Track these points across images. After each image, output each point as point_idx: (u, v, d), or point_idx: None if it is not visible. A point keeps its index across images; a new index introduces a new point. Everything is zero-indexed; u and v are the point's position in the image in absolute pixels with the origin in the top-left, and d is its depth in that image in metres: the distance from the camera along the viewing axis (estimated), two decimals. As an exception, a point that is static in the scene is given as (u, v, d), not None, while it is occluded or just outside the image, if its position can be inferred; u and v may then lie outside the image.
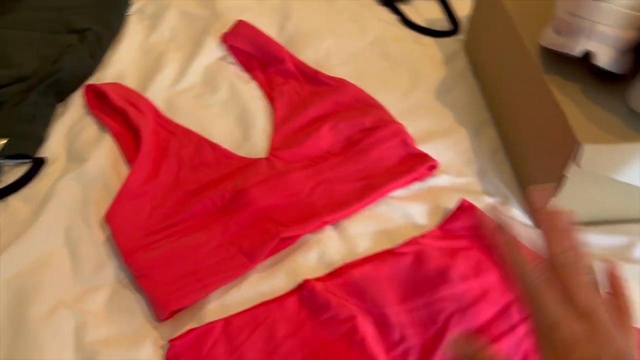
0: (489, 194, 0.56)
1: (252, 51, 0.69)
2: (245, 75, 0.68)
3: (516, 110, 0.58)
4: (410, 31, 0.76)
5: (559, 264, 0.31)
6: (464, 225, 0.51)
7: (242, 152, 0.59)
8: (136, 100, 0.61)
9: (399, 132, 0.59)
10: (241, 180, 0.54)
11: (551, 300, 0.30)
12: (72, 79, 0.65)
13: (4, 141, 0.58)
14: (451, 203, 0.54)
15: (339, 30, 0.75)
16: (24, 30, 0.72)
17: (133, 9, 0.78)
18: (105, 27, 0.73)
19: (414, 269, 0.48)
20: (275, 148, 0.58)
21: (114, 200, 0.52)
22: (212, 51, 0.71)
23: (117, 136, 0.59)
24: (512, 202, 0.56)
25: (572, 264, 0.31)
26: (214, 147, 0.58)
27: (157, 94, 0.65)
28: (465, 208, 0.52)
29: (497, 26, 0.62)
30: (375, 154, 0.57)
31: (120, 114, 0.60)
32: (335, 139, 0.59)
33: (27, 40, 0.70)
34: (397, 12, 0.78)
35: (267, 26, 0.74)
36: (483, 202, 0.55)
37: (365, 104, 0.62)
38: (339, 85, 0.64)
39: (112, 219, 0.50)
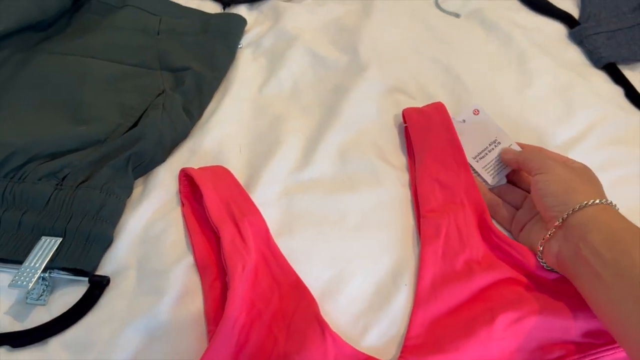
0: None
1: (418, 142, 0.47)
2: (404, 177, 0.47)
3: None
4: (644, 119, 0.51)
5: None
6: None
7: (389, 311, 0.38)
8: (241, 212, 0.41)
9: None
10: None
11: None
12: (159, 149, 0.47)
13: (58, 241, 0.41)
14: None
15: (534, 105, 0.51)
16: (106, 60, 0.54)
17: (246, 39, 0.59)
18: (210, 67, 0.54)
19: None
20: (411, 346, 0.36)
21: None
22: (351, 121, 0.50)
23: (202, 270, 0.40)
24: None
25: None
26: (323, 328, 0.36)
27: (272, 185, 0.45)
28: None
29: None
30: None
31: (216, 234, 0.41)
32: (517, 346, 0.36)
33: (108, 78, 0.52)
34: (624, 82, 0.53)
35: (426, 79, 0.53)
36: None
37: (571, 293, 0.37)
38: (521, 257, 0.40)
39: None
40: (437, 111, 0.48)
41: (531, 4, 0.63)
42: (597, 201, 0.36)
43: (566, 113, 0.51)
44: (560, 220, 0.37)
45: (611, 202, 0.37)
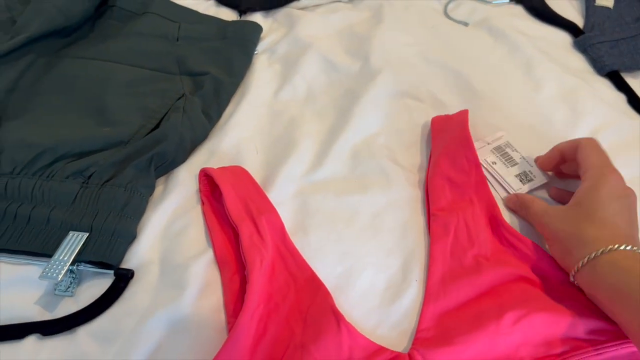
0: None
1: (435, 143, 0.49)
2: (413, 178, 0.49)
3: None
4: (647, 124, 0.53)
5: None
6: None
7: (399, 307, 0.40)
8: (258, 210, 0.43)
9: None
10: None
11: None
12: (179, 150, 0.49)
13: (85, 236, 0.43)
14: None
15: (540, 110, 0.53)
16: (127, 65, 0.56)
17: (261, 46, 0.61)
18: (227, 72, 0.56)
19: None
20: (422, 338, 0.38)
21: None
22: (363, 124, 0.52)
23: (221, 265, 0.42)
24: None
25: None
26: (339, 320, 0.38)
27: (287, 185, 0.47)
28: None
29: None
30: None
31: (235, 231, 0.43)
32: (523, 341, 0.37)
33: (130, 82, 0.54)
34: (626, 89, 0.55)
35: (436, 84, 0.55)
36: None
37: (577, 293, 0.39)
38: (532, 253, 0.42)
39: None
40: (458, 115, 0.51)
41: (537, 13, 0.65)
42: (598, 253, 0.35)
43: (571, 118, 0.53)
44: (573, 281, 0.38)
45: (618, 246, 0.35)
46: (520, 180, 0.48)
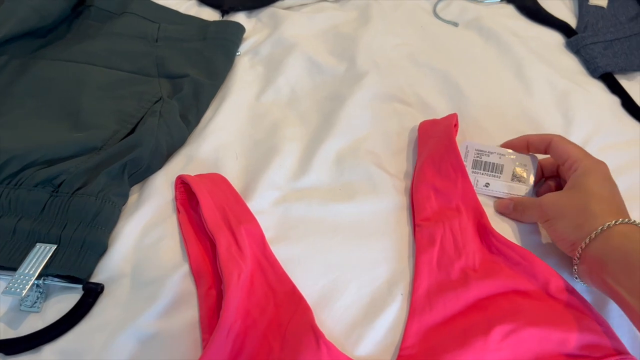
0: None
1: (420, 150, 0.47)
2: (400, 185, 0.47)
3: None
4: (641, 128, 0.51)
5: None
6: None
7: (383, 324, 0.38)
8: (237, 219, 0.41)
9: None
10: None
11: None
12: (155, 156, 0.47)
13: (53, 248, 0.40)
14: None
15: (531, 113, 0.51)
16: (104, 67, 0.54)
17: (244, 47, 0.59)
18: (207, 74, 0.54)
19: None
20: (406, 356, 0.36)
21: None
22: (348, 128, 0.50)
23: (197, 278, 0.40)
24: None
25: None
26: (318, 338, 0.35)
27: (268, 192, 0.45)
28: None
29: None
30: None
31: (212, 241, 0.40)
32: (512, 358, 0.35)
33: (107, 85, 0.52)
34: (620, 92, 0.53)
35: (424, 87, 0.53)
36: None
37: (569, 304, 0.38)
38: (523, 260, 0.40)
39: None
40: (445, 120, 0.48)
41: (529, 13, 0.64)
42: (611, 223, 0.37)
43: (563, 122, 0.51)
44: (578, 255, 0.38)
45: (626, 220, 0.37)
46: (520, 181, 0.46)
